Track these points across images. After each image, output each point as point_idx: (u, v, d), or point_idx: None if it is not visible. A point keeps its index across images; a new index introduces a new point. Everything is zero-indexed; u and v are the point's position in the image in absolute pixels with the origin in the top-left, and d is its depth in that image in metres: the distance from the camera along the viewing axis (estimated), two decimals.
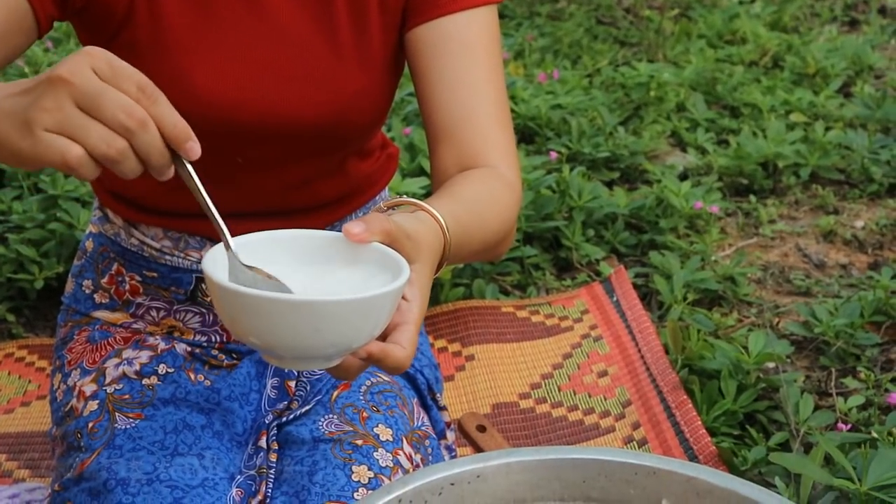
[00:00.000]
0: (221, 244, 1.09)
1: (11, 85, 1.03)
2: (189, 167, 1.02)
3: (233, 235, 1.29)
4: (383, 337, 1.08)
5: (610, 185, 3.18)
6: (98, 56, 0.98)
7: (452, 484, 1.00)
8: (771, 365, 2.21)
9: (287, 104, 1.39)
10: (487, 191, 1.38)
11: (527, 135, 3.45)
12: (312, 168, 1.48)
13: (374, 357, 1.06)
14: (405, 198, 1.25)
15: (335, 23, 1.41)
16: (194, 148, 1.01)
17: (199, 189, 1.05)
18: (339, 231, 1.10)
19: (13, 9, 1.28)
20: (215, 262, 1.05)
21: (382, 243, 1.09)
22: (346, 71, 1.42)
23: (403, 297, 1.10)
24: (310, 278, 1.10)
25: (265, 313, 0.99)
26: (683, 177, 3.23)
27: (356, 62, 1.42)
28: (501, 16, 4.75)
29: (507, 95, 1.48)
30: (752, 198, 3.13)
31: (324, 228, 1.53)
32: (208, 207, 1.06)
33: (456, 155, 1.42)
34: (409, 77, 1.50)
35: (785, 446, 1.95)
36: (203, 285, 1.52)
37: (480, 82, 1.43)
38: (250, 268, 1.07)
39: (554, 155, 3.13)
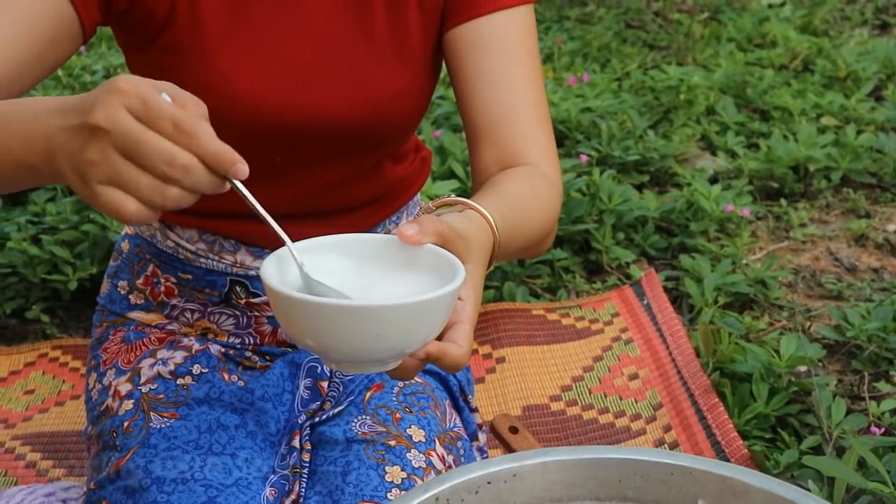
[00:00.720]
0: (280, 250, 1.10)
1: (55, 112, 1.02)
2: (239, 184, 1.03)
3: (275, 237, 1.29)
4: (439, 336, 1.08)
5: (640, 188, 3.18)
6: (130, 93, 0.97)
7: (489, 482, 1.00)
8: (803, 368, 2.20)
9: (326, 105, 1.40)
10: (530, 188, 1.38)
11: (557, 138, 3.40)
12: (349, 170, 1.49)
13: (433, 357, 1.06)
14: (453, 196, 1.25)
15: (373, 23, 1.42)
16: (242, 169, 1.01)
17: (252, 202, 1.05)
18: (391, 234, 1.11)
19: (59, 17, 1.29)
20: (274, 268, 1.06)
21: (435, 244, 1.09)
22: (385, 71, 1.42)
23: (458, 297, 1.10)
24: (366, 282, 1.11)
25: (325, 319, 0.99)
26: (713, 180, 3.22)
27: (395, 62, 1.43)
28: None
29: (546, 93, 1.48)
30: (783, 201, 3.12)
31: (361, 231, 1.54)
32: (265, 217, 1.07)
33: (497, 153, 1.42)
34: (440, 80, 1.50)
35: (817, 450, 1.94)
36: (237, 288, 1.52)
37: (520, 81, 1.44)
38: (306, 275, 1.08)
39: (584, 158, 3.12)
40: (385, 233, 1.59)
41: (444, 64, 1.50)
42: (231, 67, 1.36)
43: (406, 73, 1.44)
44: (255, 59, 1.37)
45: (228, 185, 1.02)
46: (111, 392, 1.49)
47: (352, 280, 1.10)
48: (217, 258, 1.51)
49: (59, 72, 3.54)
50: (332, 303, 0.98)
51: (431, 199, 2.60)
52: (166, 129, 0.97)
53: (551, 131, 1.47)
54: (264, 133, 1.39)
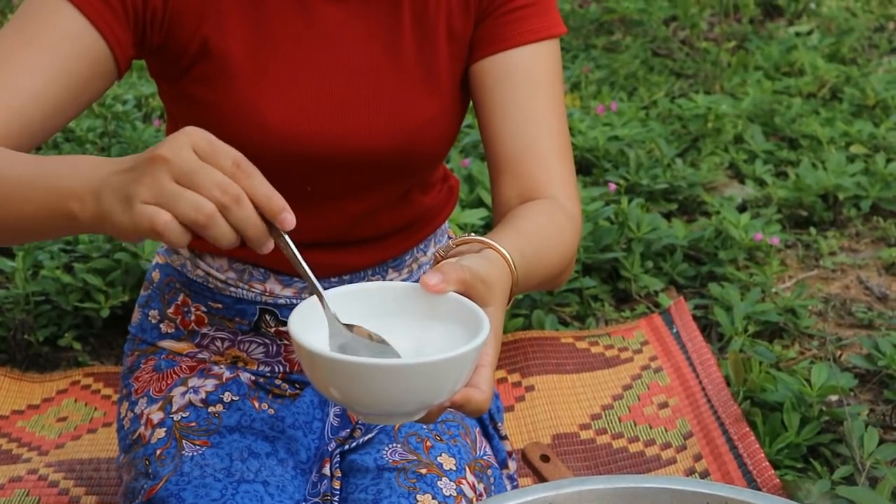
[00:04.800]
0: (308, 300, 1.12)
1: (117, 162, 1.06)
2: (286, 236, 1.04)
3: (307, 264, 1.30)
4: None
5: (668, 216, 3.17)
6: (198, 135, 1.02)
7: None
8: (834, 398, 2.18)
9: (357, 135, 1.41)
10: (549, 223, 1.39)
11: (585, 166, 3.45)
12: (379, 199, 1.49)
13: (457, 405, 1.08)
14: (473, 235, 1.26)
15: (403, 52, 1.42)
16: (288, 219, 1.04)
17: (296, 257, 1.07)
18: (420, 264, 1.12)
19: (94, 55, 1.31)
20: (302, 319, 1.08)
21: (458, 292, 1.11)
22: (415, 101, 1.43)
23: None
24: (390, 332, 1.12)
25: (351, 376, 1.01)
26: (742, 208, 3.21)
27: (425, 92, 1.44)
28: None
29: (568, 127, 1.49)
30: (812, 230, 3.11)
31: (389, 260, 1.55)
32: (306, 273, 1.09)
33: (518, 186, 1.43)
34: (469, 108, 1.51)
35: (849, 480, 1.93)
36: (266, 317, 1.53)
37: (543, 115, 1.44)
38: (349, 326, 1.10)
39: (612, 186, 3.13)
40: (412, 261, 1.59)
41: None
42: (262, 98, 1.37)
43: (436, 102, 1.45)
44: (286, 90, 1.38)
45: (272, 244, 1.04)
46: (143, 420, 1.50)
47: (376, 330, 1.12)
48: (247, 287, 1.52)
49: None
50: (360, 361, 1.00)
51: (461, 229, 2.61)
52: (226, 165, 1.01)
53: (572, 165, 1.48)
54: (295, 163, 1.40)
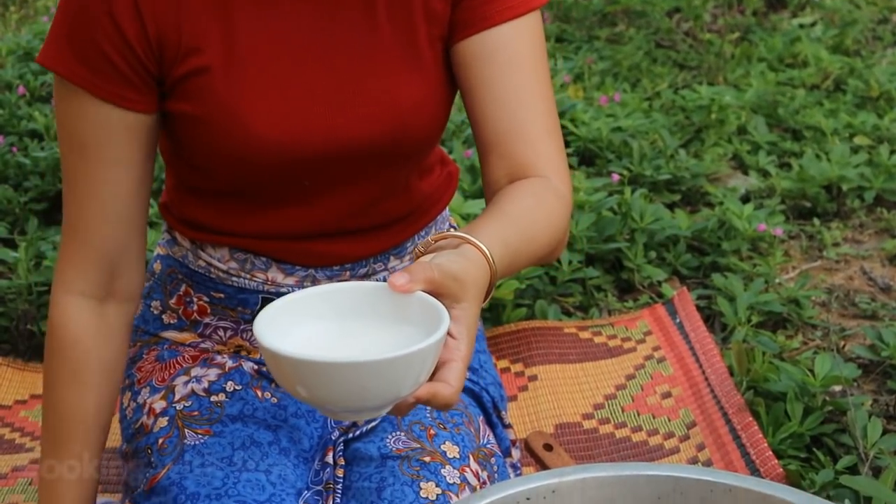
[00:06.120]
0: (275, 303, 1.16)
1: None
2: None
3: (309, 253, 1.31)
4: (433, 374, 1.12)
5: (671, 207, 3.17)
6: None
7: (528, 498, 1.00)
8: (837, 388, 2.18)
9: (344, 127, 1.40)
10: (536, 204, 1.39)
11: (587, 157, 3.44)
12: (377, 187, 1.49)
13: (423, 400, 1.11)
14: (451, 231, 1.26)
15: (380, 37, 1.40)
16: None
17: None
18: (385, 280, 1.15)
19: (142, 129, 1.40)
20: (266, 321, 1.12)
21: (428, 291, 1.14)
22: (398, 86, 1.42)
23: (451, 336, 1.14)
24: (354, 333, 1.16)
25: (308, 373, 1.05)
26: (745, 199, 3.20)
27: (408, 76, 1.42)
28: (560, 40, 4.75)
29: (556, 103, 1.49)
30: (816, 221, 3.10)
31: (390, 248, 1.54)
32: None
33: (506, 167, 1.42)
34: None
35: (853, 470, 1.92)
36: None
37: (529, 94, 1.43)
38: None
39: (615, 177, 3.12)
40: (414, 248, 1.59)
41: None
42: (244, 105, 1.36)
43: (420, 85, 1.43)
44: (267, 93, 1.37)
45: None
46: (146, 410, 1.50)
47: (341, 329, 1.16)
48: (249, 276, 1.51)
49: None
50: (315, 359, 1.04)
51: (464, 219, 2.60)
52: None
53: (561, 142, 1.47)
54: (288, 162, 1.40)
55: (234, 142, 1.37)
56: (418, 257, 1.23)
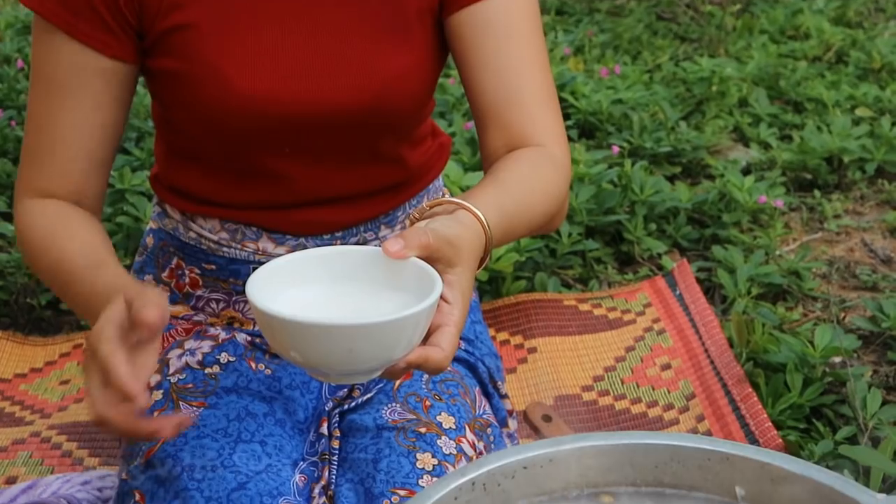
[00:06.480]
0: (268, 265, 1.15)
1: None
2: None
3: (299, 222, 1.30)
4: (426, 338, 1.12)
5: (672, 179, 3.16)
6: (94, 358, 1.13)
7: (525, 467, 0.99)
8: (837, 359, 2.18)
9: (325, 93, 1.39)
10: (533, 172, 1.39)
11: (588, 129, 3.43)
12: (365, 155, 1.48)
13: (413, 365, 1.11)
14: (447, 197, 1.26)
15: (367, 8, 1.40)
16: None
17: None
18: (380, 245, 1.14)
19: (117, 75, 1.40)
20: (259, 283, 1.10)
21: (422, 256, 1.14)
22: (382, 55, 1.41)
23: (445, 300, 1.14)
24: (348, 296, 1.15)
25: (299, 335, 1.04)
26: (746, 172, 3.19)
27: (393, 46, 1.41)
28: (560, 12, 4.73)
29: (553, 74, 1.48)
30: (817, 193, 3.09)
31: (381, 216, 1.54)
32: None
33: (504, 137, 1.43)
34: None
35: (852, 440, 1.92)
36: None
37: (524, 64, 1.43)
38: None
39: (616, 149, 3.11)
40: (405, 217, 1.58)
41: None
42: (228, 63, 1.36)
43: (406, 56, 1.42)
44: (251, 56, 1.37)
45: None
46: None
47: (335, 293, 1.15)
48: (240, 247, 1.51)
49: None
50: (307, 321, 1.03)
51: (463, 191, 2.59)
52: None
53: (558, 111, 1.47)
54: (267, 125, 1.39)
55: (215, 99, 1.37)
56: (413, 223, 1.23)
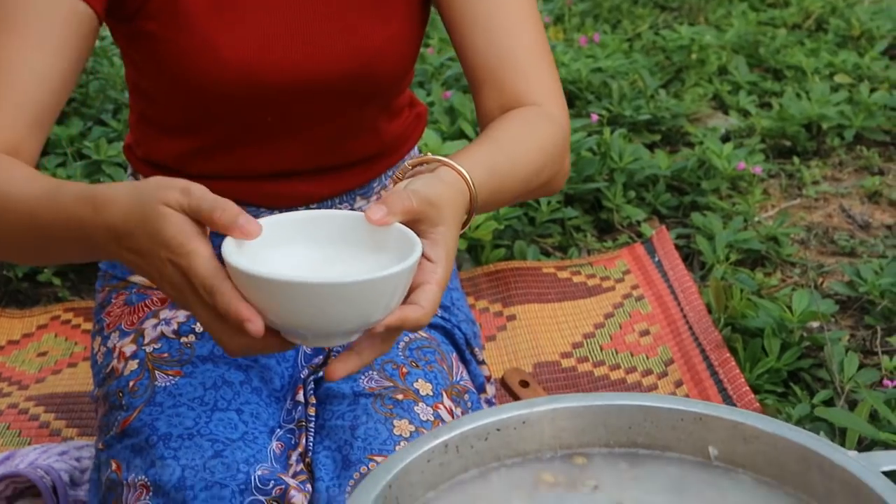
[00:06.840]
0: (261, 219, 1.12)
1: (123, 238, 1.11)
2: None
3: (273, 194, 1.28)
4: (406, 298, 1.11)
5: (651, 147, 3.16)
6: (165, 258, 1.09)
7: (498, 429, 1.00)
8: (815, 324, 2.18)
9: (309, 61, 1.39)
10: (527, 131, 1.37)
11: (568, 98, 3.40)
12: (343, 126, 1.47)
13: (392, 328, 1.09)
14: (430, 155, 1.25)
15: None
16: (252, 329, 1.04)
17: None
18: (362, 209, 1.12)
19: (78, 19, 1.32)
20: (236, 245, 1.09)
21: (405, 220, 1.12)
22: (367, 24, 1.41)
23: (428, 259, 1.12)
24: (328, 259, 1.13)
25: (277, 294, 1.02)
26: (725, 139, 3.19)
27: (377, 14, 1.41)
28: None
29: (545, 31, 1.47)
30: (796, 159, 3.09)
31: (356, 188, 1.53)
32: None
33: (498, 98, 1.41)
34: (449, 40, 1.48)
35: (829, 404, 1.93)
36: None
37: (516, 23, 1.42)
38: None
39: (595, 117, 3.10)
40: (380, 188, 1.58)
41: (437, 14, 1.48)
42: (214, 29, 1.35)
43: (389, 23, 1.42)
44: (236, 22, 1.36)
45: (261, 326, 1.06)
46: (116, 354, 1.49)
47: (315, 256, 1.13)
48: None
49: None
50: (282, 279, 1.01)
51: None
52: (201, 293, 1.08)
53: (553, 68, 1.46)
54: (252, 94, 1.38)
55: (198, 64, 1.35)
56: (396, 182, 1.22)
